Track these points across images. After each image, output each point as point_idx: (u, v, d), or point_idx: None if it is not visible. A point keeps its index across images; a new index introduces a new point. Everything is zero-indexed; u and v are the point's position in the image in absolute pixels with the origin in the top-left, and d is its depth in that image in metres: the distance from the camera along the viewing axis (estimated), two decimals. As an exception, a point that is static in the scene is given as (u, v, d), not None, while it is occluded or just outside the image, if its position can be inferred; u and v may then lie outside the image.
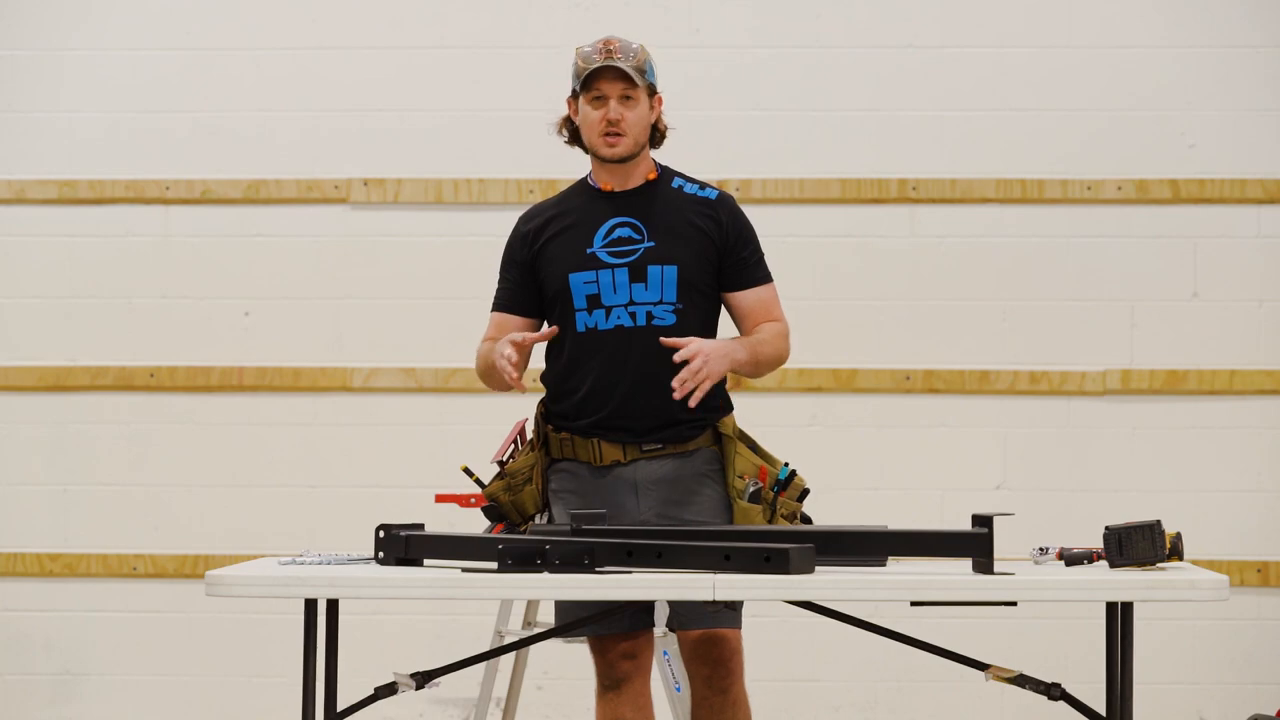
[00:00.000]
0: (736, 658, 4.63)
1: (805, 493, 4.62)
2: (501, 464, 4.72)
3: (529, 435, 4.77)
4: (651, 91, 4.70)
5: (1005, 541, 4.24)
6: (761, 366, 4.67)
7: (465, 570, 4.09)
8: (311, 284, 7.33)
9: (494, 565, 4.04)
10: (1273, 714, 6.88)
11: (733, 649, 4.62)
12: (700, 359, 4.50)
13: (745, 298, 4.70)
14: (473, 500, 6.16)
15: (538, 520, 4.71)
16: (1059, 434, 7.21)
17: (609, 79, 4.63)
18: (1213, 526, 7.11)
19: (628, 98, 4.64)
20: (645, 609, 4.61)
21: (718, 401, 4.70)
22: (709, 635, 4.60)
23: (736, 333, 4.74)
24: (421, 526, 4.28)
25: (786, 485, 4.59)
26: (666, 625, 4.70)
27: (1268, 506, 7.19)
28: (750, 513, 4.56)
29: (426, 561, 4.22)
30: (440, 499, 6.23)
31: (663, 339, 4.54)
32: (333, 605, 4.26)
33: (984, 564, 4.02)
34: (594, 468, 4.64)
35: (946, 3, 7.28)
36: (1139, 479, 7.19)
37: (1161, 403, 7.21)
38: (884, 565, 4.17)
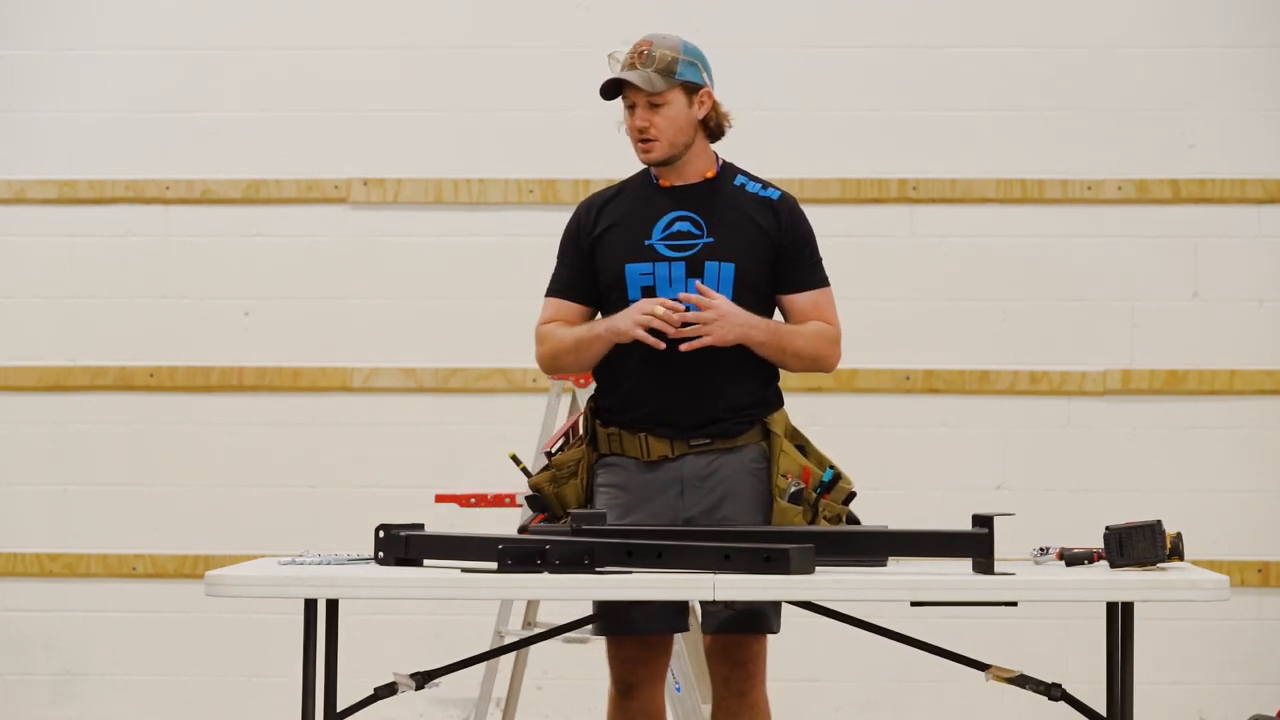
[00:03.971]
0: (758, 661, 4.57)
1: (851, 496, 4.55)
2: (550, 454, 4.67)
3: (581, 430, 4.72)
4: (693, 89, 4.64)
5: (1005, 541, 4.24)
6: (787, 356, 4.58)
7: (465, 570, 4.09)
8: (311, 284, 7.33)
9: (494, 565, 4.04)
10: (1273, 714, 6.88)
11: (754, 653, 4.57)
12: (713, 313, 4.46)
13: (798, 300, 4.63)
14: (472, 500, 6.17)
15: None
16: (1059, 434, 7.21)
17: (633, 86, 4.59)
18: (1213, 526, 7.11)
19: (654, 105, 4.59)
20: (666, 611, 4.55)
21: (766, 396, 4.64)
22: (731, 637, 4.56)
23: None
24: (421, 526, 4.27)
25: (831, 488, 4.51)
26: (702, 628, 4.63)
27: (1268, 506, 7.19)
28: (789, 513, 4.50)
29: (426, 561, 4.22)
30: (440, 499, 6.24)
31: (697, 284, 4.48)
32: (333, 605, 4.26)
33: (984, 564, 4.02)
34: (642, 463, 4.59)
35: (947, 3, 7.27)
36: (1139, 479, 7.19)
37: (1161, 403, 7.21)
38: (884, 565, 4.17)
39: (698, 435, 4.56)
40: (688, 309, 4.50)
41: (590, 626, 4.64)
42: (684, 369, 4.53)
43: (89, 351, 7.35)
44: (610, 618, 4.54)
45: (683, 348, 4.47)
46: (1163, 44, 7.23)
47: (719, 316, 4.47)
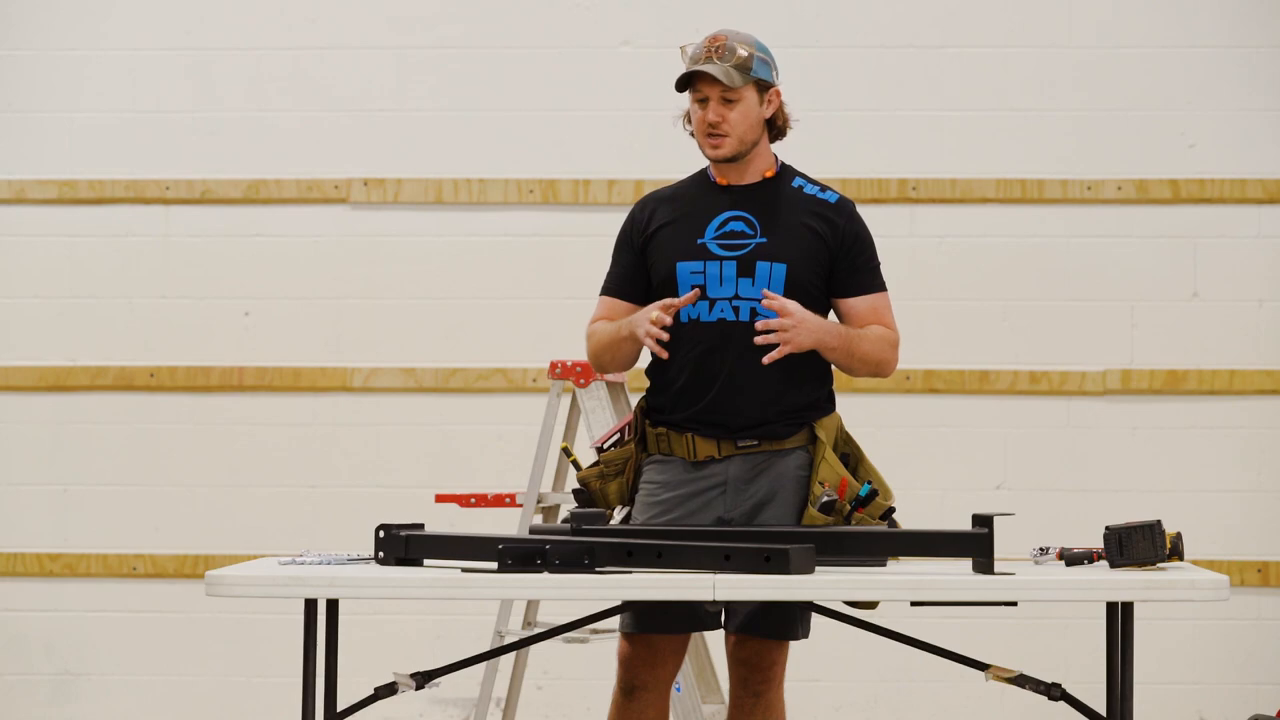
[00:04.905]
0: (778, 666, 4.55)
1: (890, 511, 4.48)
2: (600, 450, 4.65)
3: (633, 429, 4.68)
4: (764, 87, 4.61)
5: (1005, 541, 4.24)
6: (855, 361, 4.54)
7: (465, 570, 4.09)
8: (311, 284, 7.33)
9: (494, 565, 4.04)
10: (1273, 714, 6.88)
11: (774, 658, 4.54)
12: (790, 320, 4.42)
13: (857, 304, 4.59)
14: (472, 500, 6.18)
15: (618, 514, 4.62)
16: (1059, 434, 7.22)
17: (707, 80, 4.54)
18: (1213, 526, 7.11)
19: (729, 100, 4.55)
20: (677, 613, 4.52)
21: (817, 399, 4.60)
22: (754, 641, 4.54)
23: None
24: (421, 526, 4.28)
25: (867, 503, 4.44)
26: (724, 627, 4.60)
27: (1268, 506, 7.19)
28: (816, 521, 4.43)
29: (426, 561, 4.22)
30: (440, 499, 6.24)
31: (765, 292, 4.45)
32: (333, 605, 4.26)
33: (984, 564, 4.02)
34: (688, 463, 4.55)
35: (946, 3, 7.28)
36: (1139, 479, 7.19)
37: (1161, 403, 7.21)
38: (884, 565, 4.17)
39: (745, 436, 4.53)
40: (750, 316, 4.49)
41: (589, 626, 4.64)
42: (733, 369, 4.51)
43: (89, 351, 7.35)
44: (625, 615, 4.52)
45: (765, 360, 4.43)
46: (1163, 44, 7.23)
47: (797, 324, 4.43)
